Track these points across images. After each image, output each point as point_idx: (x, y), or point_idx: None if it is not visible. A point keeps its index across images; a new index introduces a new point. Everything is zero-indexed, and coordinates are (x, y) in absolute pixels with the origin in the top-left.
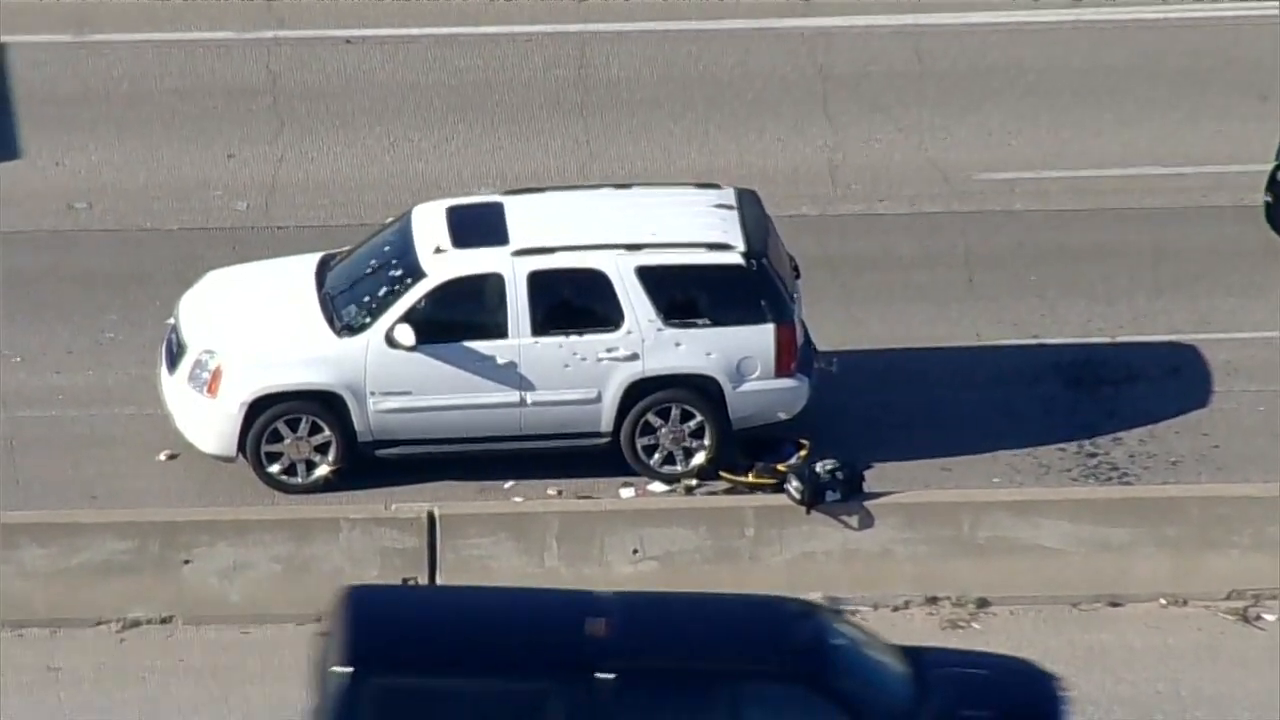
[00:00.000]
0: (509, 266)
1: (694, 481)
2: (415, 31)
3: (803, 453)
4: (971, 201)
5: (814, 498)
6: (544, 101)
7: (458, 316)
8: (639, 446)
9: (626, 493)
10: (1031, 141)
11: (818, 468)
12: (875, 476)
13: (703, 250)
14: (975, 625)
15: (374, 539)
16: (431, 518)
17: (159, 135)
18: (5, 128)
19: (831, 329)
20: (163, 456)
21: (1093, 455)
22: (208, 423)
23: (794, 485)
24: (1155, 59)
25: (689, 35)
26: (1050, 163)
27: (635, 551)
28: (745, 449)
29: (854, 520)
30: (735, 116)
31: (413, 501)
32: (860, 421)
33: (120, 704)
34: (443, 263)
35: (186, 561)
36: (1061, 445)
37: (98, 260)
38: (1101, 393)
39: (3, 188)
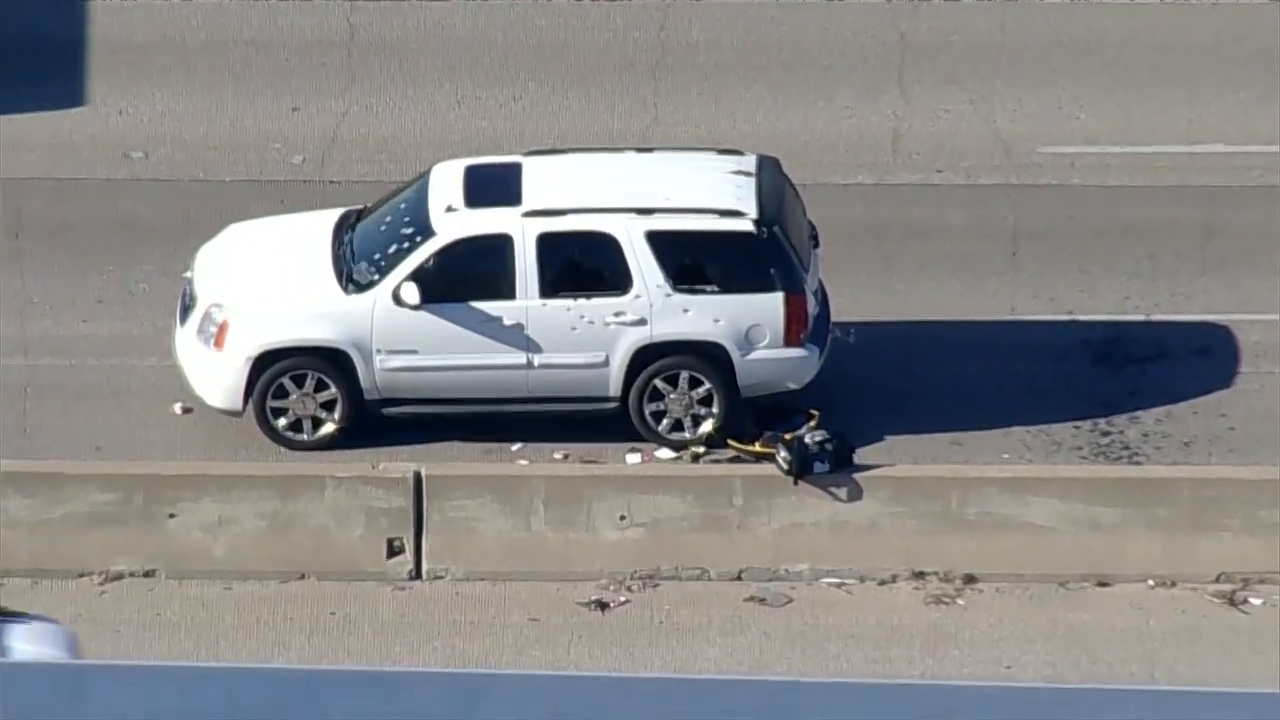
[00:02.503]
0: (519, 227)
1: (701, 449)
2: None
3: (812, 423)
4: (1029, 174)
5: (802, 469)
6: (618, 63)
7: (466, 276)
8: (647, 412)
9: (633, 458)
10: (1099, 116)
11: (807, 439)
12: (883, 448)
13: (714, 216)
14: (960, 601)
15: (360, 498)
16: (418, 478)
17: (228, 86)
18: (75, 75)
19: (867, 298)
20: (176, 409)
21: (1106, 434)
22: (214, 376)
23: (782, 456)
24: (1236, 37)
25: (774, 1)
26: (1114, 138)
27: (622, 518)
28: (757, 418)
29: (842, 492)
30: (808, 83)
31: (414, 462)
32: (878, 393)
33: (91, 656)
34: (453, 222)
35: (171, 515)
36: (1077, 423)
37: (144, 210)
38: (1126, 371)
39: (63, 134)
